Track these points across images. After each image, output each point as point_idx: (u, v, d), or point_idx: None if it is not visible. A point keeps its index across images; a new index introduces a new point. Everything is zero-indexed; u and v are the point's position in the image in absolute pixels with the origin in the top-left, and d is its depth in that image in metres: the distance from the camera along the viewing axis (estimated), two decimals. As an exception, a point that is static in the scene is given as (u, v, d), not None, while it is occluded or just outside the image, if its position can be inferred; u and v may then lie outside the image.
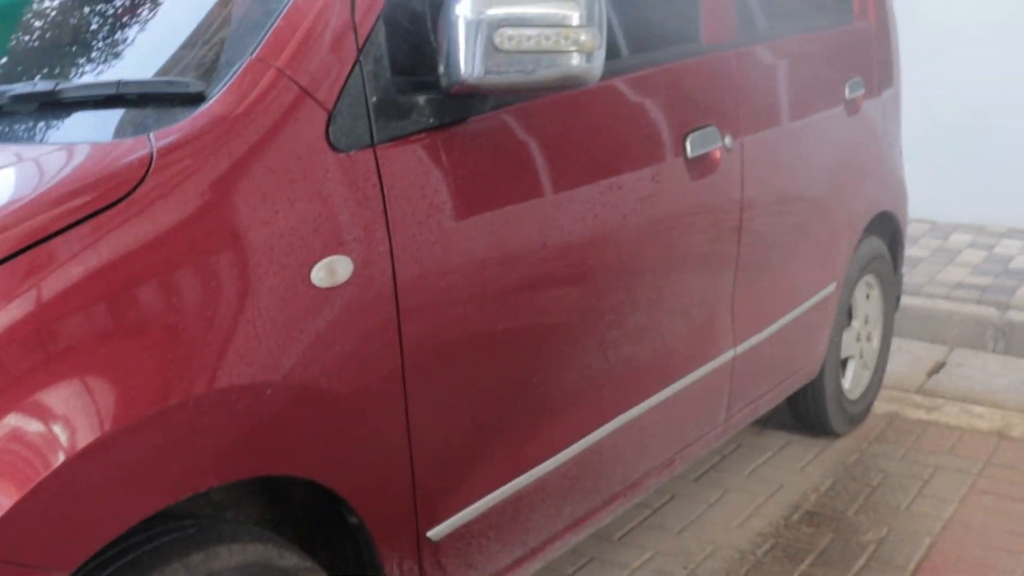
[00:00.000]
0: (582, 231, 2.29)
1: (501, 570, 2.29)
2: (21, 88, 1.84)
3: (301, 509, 2.00)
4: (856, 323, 3.81)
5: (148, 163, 1.62)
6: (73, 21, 2.10)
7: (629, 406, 2.55)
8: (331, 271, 1.79)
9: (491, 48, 1.90)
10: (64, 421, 1.46)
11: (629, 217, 2.43)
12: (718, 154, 2.70)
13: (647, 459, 2.70)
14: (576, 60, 1.96)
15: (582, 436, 2.41)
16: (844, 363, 3.81)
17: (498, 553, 2.26)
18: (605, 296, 2.41)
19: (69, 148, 1.70)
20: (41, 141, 1.79)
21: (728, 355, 2.92)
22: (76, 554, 1.49)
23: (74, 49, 2.03)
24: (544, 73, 1.95)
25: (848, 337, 3.77)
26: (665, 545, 3.13)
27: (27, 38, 2.15)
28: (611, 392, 2.50)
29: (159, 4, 2.02)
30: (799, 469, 3.61)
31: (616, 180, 2.38)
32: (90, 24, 2.05)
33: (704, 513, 3.32)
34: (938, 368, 4.51)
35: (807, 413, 3.75)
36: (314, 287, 1.77)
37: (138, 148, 1.64)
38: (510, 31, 1.90)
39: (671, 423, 2.76)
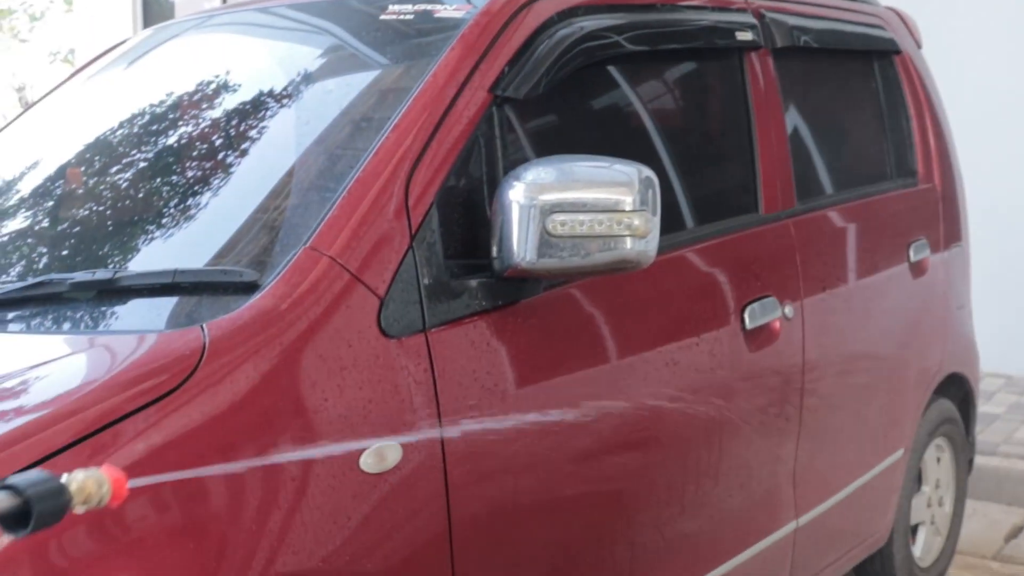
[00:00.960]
0: (636, 404, 2.30)
1: None
2: (81, 276, 1.91)
3: None
4: (927, 488, 3.74)
5: (201, 353, 1.67)
6: (131, 207, 2.18)
7: (687, 579, 2.52)
8: (380, 457, 1.81)
9: (544, 233, 1.94)
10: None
11: (685, 390, 2.43)
12: (778, 324, 2.71)
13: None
14: (630, 244, 2.00)
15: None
16: (914, 529, 3.73)
17: None
18: (660, 470, 2.40)
19: (124, 338, 1.76)
20: (99, 328, 1.85)
21: (790, 527, 2.88)
22: None
23: (131, 235, 2.11)
24: (598, 257, 1.99)
25: (918, 502, 3.70)
26: None
27: (85, 224, 2.23)
28: (665, 568, 2.47)
29: (216, 191, 2.10)
30: (869, 641, 3.52)
31: (672, 354, 2.40)
32: (147, 209, 2.13)
33: None
34: (1016, 532, 4.40)
35: (876, 581, 3.68)
36: (363, 473, 1.79)
37: (191, 338, 1.69)
38: (563, 216, 1.94)
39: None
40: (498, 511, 2.02)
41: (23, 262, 2.18)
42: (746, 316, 2.61)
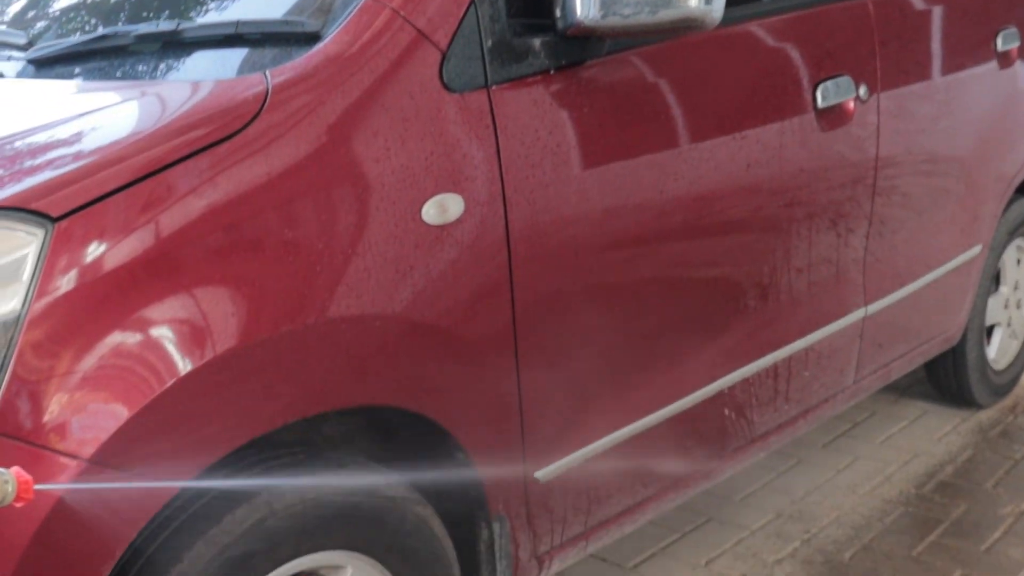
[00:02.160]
0: (703, 182, 2.35)
1: (611, 518, 2.37)
2: (145, 28, 1.98)
3: (410, 449, 2.12)
4: (1005, 289, 3.76)
5: (264, 98, 1.74)
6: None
7: (750, 360, 2.59)
8: (442, 208, 1.89)
9: (608, -11, 1.97)
10: (181, 342, 1.60)
11: (753, 168, 2.46)
12: (852, 105, 2.72)
13: (769, 416, 2.75)
14: (695, 2, 2.02)
15: (699, 388, 2.47)
16: (990, 331, 3.77)
17: (608, 500, 2.35)
18: (726, 248, 2.46)
19: (189, 85, 1.84)
20: (163, 78, 1.93)
21: (858, 314, 2.94)
22: (189, 467, 1.63)
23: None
24: (661, 15, 2.01)
25: (995, 303, 3.72)
26: (787, 509, 3.17)
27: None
28: (731, 345, 2.55)
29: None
30: (936, 439, 3.60)
31: (740, 130, 2.43)
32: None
33: (831, 479, 3.34)
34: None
35: (947, 382, 3.73)
36: (425, 224, 1.87)
37: (254, 84, 1.76)
38: (627, -28, 1.97)
39: (796, 380, 2.79)
40: (559, 272, 2.09)
41: (89, 17, 2.25)
42: (818, 94, 2.62)
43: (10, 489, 1.34)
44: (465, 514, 2.11)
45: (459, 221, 1.91)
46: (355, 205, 1.79)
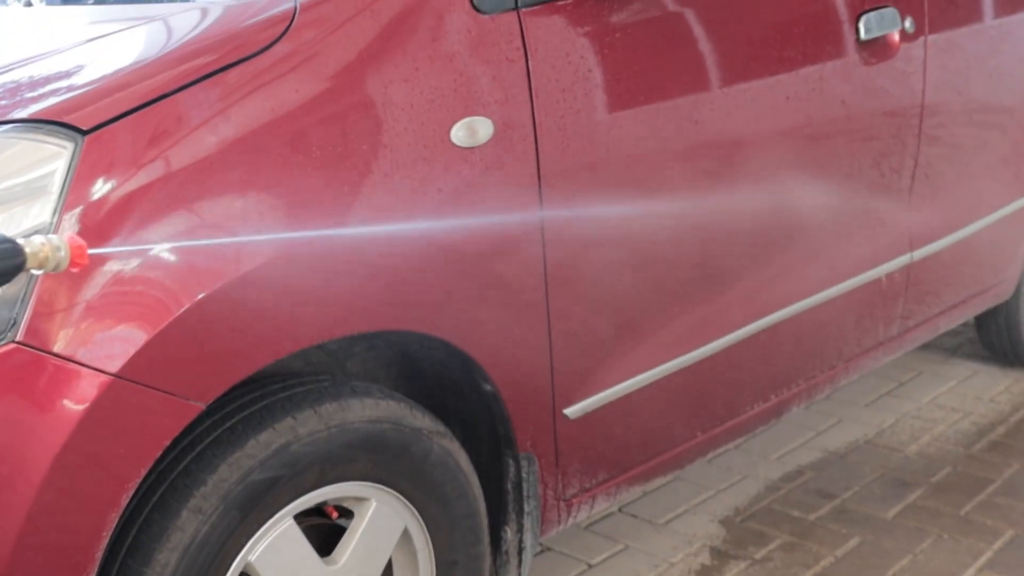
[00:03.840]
0: (739, 113, 2.40)
1: (641, 461, 2.45)
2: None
3: (436, 384, 2.20)
4: (1061, 241, 3.81)
5: (291, 17, 1.83)
6: None
7: (786, 303, 2.66)
8: (471, 131, 1.96)
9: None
10: (209, 257, 1.68)
11: (792, 101, 2.53)
12: (896, 38, 2.78)
13: (804, 363, 2.82)
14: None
15: (733, 330, 2.54)
16: (1046, 286, 3.82)
17: (639, 442, 2.43)
18: (761, 182, 2.52)
19: (220, 2, 1.93)
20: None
21: (903, 259, 3.00)
22: (214, 386, 1.71)
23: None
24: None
25: (1051, 257, 3.77)
26: (826, 467, 3.24)
27: None
28: (768, 286, 2.61)
29: None
30: (986, 400, 3.66)
31: (779, 61, 2.49)
32: None
33: (872, 438, 3.41)
34: None
35: (998, 340, 3.79)
36: (454, 146, 1.94)
37: (282, 2, 1.85)
38: None
39: (835, 327, 2.86)
40: (590, 200, 2.16)
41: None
42: (861, 26, 2.68)
43: (63, 255, 1.45)
44: (492, 451, 2.20)
45: (488, 144, 1.99)
46: (384, 126, 1.86)
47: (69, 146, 1.63)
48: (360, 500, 1.97)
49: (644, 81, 2.23)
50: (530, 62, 2.04)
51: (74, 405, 1.59)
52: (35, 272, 1.52)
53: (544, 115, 2.06)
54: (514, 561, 2.26)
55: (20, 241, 1.43)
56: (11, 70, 1.81)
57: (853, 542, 2.84)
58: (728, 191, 2.45)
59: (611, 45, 2.16)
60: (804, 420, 3.47)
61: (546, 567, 2.74)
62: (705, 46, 2.36)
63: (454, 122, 1.94)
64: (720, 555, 2.79)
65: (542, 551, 2.81)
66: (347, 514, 2.00)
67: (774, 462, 3.27)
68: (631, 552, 2.82)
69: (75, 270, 1.49)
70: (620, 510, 3.01)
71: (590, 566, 2.76)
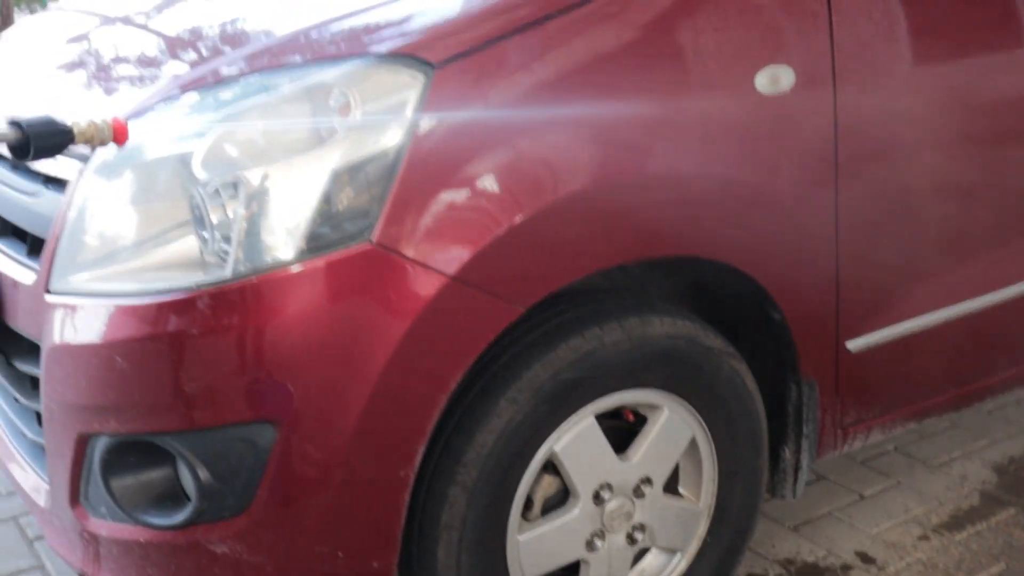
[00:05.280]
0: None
1: (916, 399, 2.57)
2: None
3: (728, 310, 2.38)
4: None
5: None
6: None
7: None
8: (774, 79, 2.12)
9: None
10: (537, 180, 1.91)
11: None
12: None
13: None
14: None
15: (1015, 283, 2.61)
16: None
17: (916, 381, 2.55)
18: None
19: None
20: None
21: None
22: (533, 294, 1.96)
23: None
24: None
25: None
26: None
27: None
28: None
29: None
30: None
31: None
32: None
33: None
34: None
35: None
36: (757, 92, 2.11)
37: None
38: None
39: None
40: (883, 147, 2.29)
41: None
42: None
43: (107, 133, 1.74)
44: (776, 375, 2.36)
45: (790, 92, 2.14)
46: (696, 71, 2.06)
47: (421, 77, 1.88)
48: (654, 407, 2.19)
49: (943, 40, 2.34)
50: (833, 16, 2.18)
51: (417, 299, 1.84)
52: (82, 146, 1.81)
53: (843, 67, 2.20)
54: (790, 479, 2.43)
55: (69, 121, 1.73)
56: (366, 11, 2.07)
57: None
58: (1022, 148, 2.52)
59: (912, 3, 2.27)
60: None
61: (821, 493, 2.89)
62: (1009, 6, 2.43)
63: (759, 70, 2.10)
64: (990, 499, 2.87)
65: (817, 479, 2.96)
66: (641, 421, 2.20)
67: (1053, 416, 3.31)
68: (902, 488, 2.93)
69: (118, 143, 1.77)
70: (895, 449, 3.12)
71: (862, 497, 2.90)
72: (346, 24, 2.06)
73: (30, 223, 2.14)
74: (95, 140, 1.75)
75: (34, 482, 2.23)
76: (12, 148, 1.72)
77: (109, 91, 2.24)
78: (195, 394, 1.86)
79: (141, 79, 2.22)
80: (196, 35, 2.33)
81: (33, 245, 2.13)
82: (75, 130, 1.74)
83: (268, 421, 1.86)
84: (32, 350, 2.11)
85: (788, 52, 2.14)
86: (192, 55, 2.25)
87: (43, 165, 2.11)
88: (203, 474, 1.89)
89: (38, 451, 2.27)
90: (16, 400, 2.31)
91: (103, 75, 2.34)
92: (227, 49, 2.15)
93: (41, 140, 1.70)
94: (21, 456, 2.32)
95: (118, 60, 2.37)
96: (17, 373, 2.25)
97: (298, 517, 1.92)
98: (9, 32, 3.18)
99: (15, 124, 1.70)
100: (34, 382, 2.19)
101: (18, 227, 2.21)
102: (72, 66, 2.46)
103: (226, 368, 1.84)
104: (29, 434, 2.27)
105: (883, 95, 2.26)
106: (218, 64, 2.05)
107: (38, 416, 2.22)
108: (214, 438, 1.88)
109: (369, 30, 2.04)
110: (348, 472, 1.90)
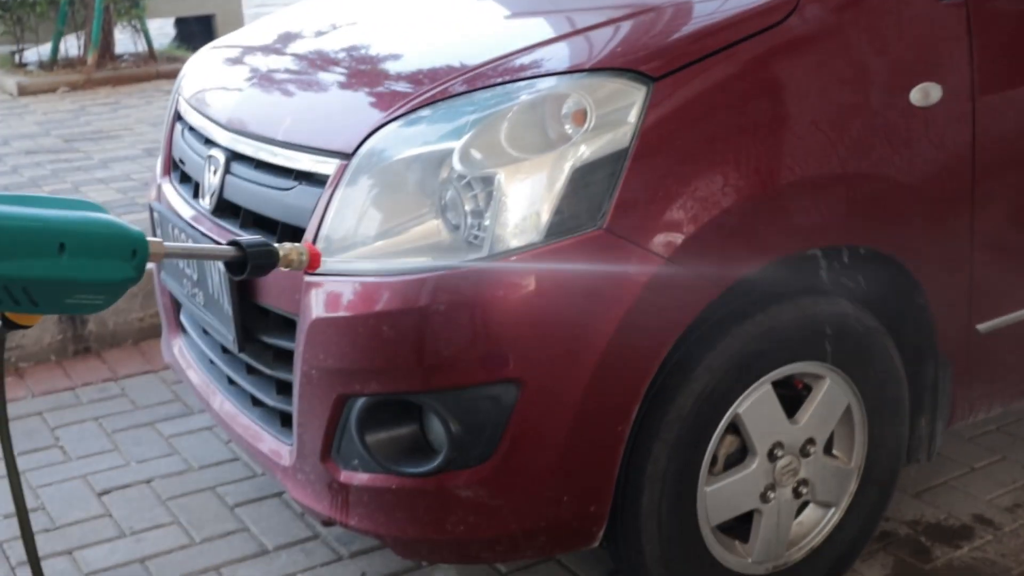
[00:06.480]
0: None
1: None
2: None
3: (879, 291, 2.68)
4: None
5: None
6: None
7: None
8: (925, 94, 2.45)
9: None
10: (739, 176, 2.24)
11: None
12: None
13: None
14: None
15: None
16: None
17: (1033, 361, 2.87)
18: None
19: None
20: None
21: None
22: (729, 275, 2.28)
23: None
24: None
25: None
26: None
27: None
28: None
29: None
30: None
31: None
32: None
33: None
34: None
35: None
36: (912, 105, 2.43)
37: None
38: None
39: None
40: (1015, 160, 2.63)
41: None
42: None
43: (304, 259, 1.85)
44: (916, 352, 2.67)
45: (937, 105, 2.47)
46: (862, 86, 2.40)
47: (643, 88, 2.21)
48: (818, 377, 2.51)
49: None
50: (973, 41, 2.51)
51: (639, 278, 2.17)
52: (282, 269, 1.84)
53: (982, 83, 2.52)
54: (925, 445, 2.74)
55: (276, 246, 1.83)
56: (593, 29, 2.42)
57: None
58: None
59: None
60: None
61: (935, 466, 3.20)
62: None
63: (913, 86, 2.43)
64: (1094, 474, 3.18)
65: (930, 455, 3.27)
66: (806, 390, 2.52)
67: None
68: (1008, 462, 3.25)
69: (311, 270, 1.89)
70: (997, 428, 3.42)
71: (973, 469, 3.22)
72: (557, 46, 2.43)
73: (284, 214, 2.46)
74: (295, 264, 1.84)
75: (272, 444, 2.54)
76: (229, 265, 1.82)
77: (345, 109, 2.58)
78: (452, 358, 2.18)
79: (372, 96, 2.55)
80: (404, 60, 2.69)
81: (283, 233, 2.44)
82: (280, 253, 1.84)
83: (513, 381, 2.18)
84: (282, 325, 2.42)
85: (937, 71, 2.46)
86: (407, 76, 2.59)
87: (296, 162, 2.44)
88: (455, 427, 2.21)
89: (272, 417, 2.58)
90: (249, 373, 2.62)
91: (334, 93, 2.68)
92: (449, 69, 2.47)
93: (256, 260, 1.79)
94: (257, 424, 2.62)
95: (345, 81, 2.72)
96: (259, 347, 2.55)
97: (533, 465, 2.23)
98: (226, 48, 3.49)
99: (236, 244, 1.81)
100: (277, 354, 2.50)
101: (264, 219, 2.52)
102: (303, 84, 2.79)
103: (479, 335, 2.17)
104: (270, 402, 2.57)
105: (1014, 106, 2.58)
106: (447, 84, 2.37)
107: (278, 385, 2.54)
108: (465, 396, 2.21)
109: (585, 49, 2.41)
110: (576, 426, 2.22)
